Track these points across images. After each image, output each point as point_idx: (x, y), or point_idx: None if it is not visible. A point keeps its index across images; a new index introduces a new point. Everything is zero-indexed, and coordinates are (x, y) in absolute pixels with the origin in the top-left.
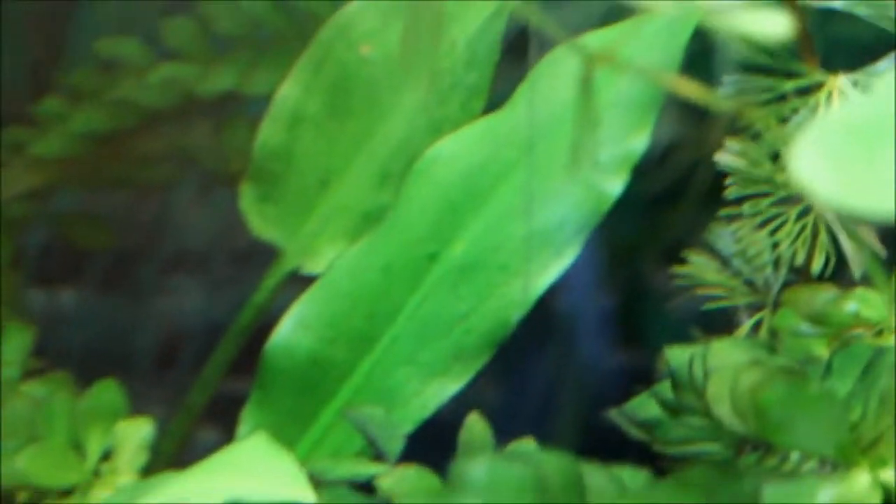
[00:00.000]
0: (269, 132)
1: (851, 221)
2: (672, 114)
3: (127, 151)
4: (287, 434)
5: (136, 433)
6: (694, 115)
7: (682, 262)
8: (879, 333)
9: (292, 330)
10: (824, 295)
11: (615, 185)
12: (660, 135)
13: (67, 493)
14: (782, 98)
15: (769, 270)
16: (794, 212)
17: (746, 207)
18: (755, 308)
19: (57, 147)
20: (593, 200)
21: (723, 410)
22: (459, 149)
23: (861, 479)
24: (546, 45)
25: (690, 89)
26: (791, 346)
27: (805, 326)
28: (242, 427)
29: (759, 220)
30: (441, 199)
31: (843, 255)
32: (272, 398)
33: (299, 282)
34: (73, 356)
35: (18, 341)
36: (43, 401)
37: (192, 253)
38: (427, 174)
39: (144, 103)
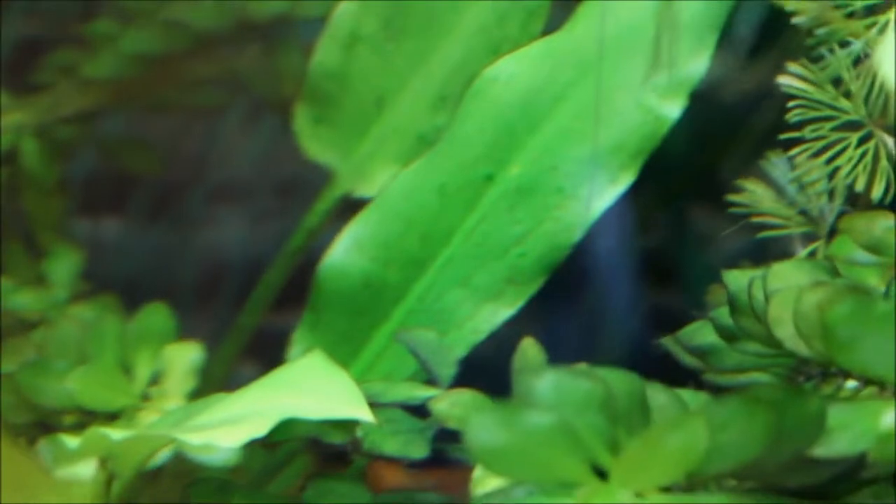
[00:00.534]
0: (325, 52)
1: None
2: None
3: (177, 74)
4: (339, 356)
5: (185, 357)
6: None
7: (724, 201)
8: None
9: (345, 251)
10: (883, 222)
11: (673, 109)
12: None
13: (114, 417)
14: (851, 15)
15: (824, 200)
16: (855, 137)
17: (808, 131)
18: (809, 238)
19: (107, 69)
20: (651, 124)
21: (785, 332)
22: (518, 69)
23: None
24: None
25: None
26: (845, 276)
27: (862, 254)
28: (294, 349)
29: (817, 146)
30: (498, 120)
31: None
32: (324, 320)
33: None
34: (116, 286)
35: (66, 263)
36: (92, 323)
37: (237, 183)
38: (485, 94)
39: (196, 25)
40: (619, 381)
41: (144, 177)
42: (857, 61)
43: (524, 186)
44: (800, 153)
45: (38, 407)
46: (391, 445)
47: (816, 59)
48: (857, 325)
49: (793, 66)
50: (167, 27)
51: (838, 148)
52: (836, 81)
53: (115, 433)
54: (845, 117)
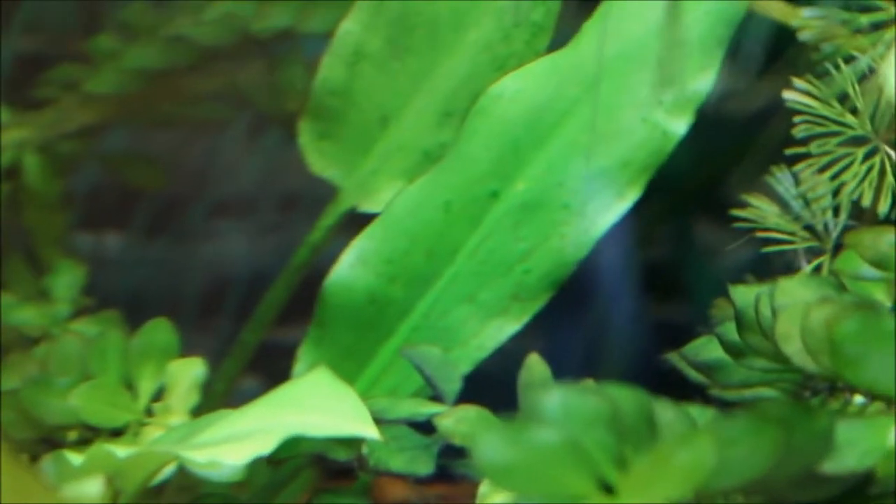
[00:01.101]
0: (329, 68)
1: None
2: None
3: (180, 89)
4: (344, 372)
5: (189, 373)
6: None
7: (728, 216)
8: None
9: (351, 267)
10: (889, 238)
11: (680, 125)
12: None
13: (117, 433)
14: (857, 31)
15: (829, 215)
16: (861, 152)
17: (814, 147)
18: (814, 253)
19: (110, 84)
20: (658, 140)
21: (792, 348)
22: (523, 85)
23: None
24: None
25: (777, 9)
26: (851, 291)
27: (868, 270)
28: (299, 365)
29: (822, 161)
30: (504, 136)
31: None
32: (330, 336)
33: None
34: (119, 302)
35: (68, 278)
36: (94, 338)
37: (239, 197)
38: (490, 111)
39: (199, 41)
40: (627, 397)
41: (147, 191)
42: (863, 77)
43: (530, 203)
44: (805, 168)
45: (41, 423)
46: (397, 462)
47: (822, 75)
48: (864, 341)
49: (798, 82)
50: (170, 42)
51: (844, 163)
52: (842, 97)
53: (120, 450)
54: (851, 133)
